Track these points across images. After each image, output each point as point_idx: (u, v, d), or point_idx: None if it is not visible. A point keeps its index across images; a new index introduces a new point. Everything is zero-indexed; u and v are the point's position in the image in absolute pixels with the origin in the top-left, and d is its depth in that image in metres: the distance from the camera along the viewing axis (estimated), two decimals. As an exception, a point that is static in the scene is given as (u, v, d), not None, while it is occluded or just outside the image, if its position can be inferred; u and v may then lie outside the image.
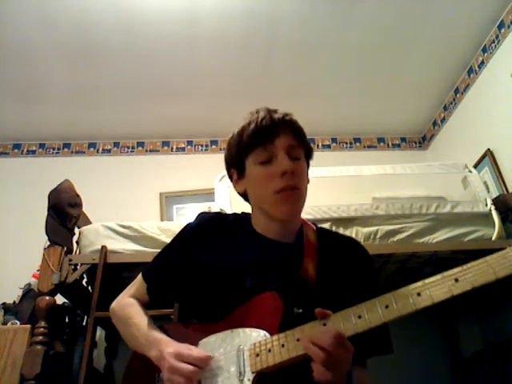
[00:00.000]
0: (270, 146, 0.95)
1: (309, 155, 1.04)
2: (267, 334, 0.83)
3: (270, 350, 0.80)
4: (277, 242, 0.99)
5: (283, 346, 0.79)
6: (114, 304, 1.07)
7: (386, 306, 0.74)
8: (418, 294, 0.73)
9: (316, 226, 1.08)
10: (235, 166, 1.02)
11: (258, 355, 0.81)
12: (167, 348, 0.87)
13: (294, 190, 0.95)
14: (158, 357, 0.87)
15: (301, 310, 0.87)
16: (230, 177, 1.05)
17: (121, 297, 1.08)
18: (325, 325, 0.78)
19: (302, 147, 0.99)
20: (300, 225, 1.04)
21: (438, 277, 0.73)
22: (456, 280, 0.71)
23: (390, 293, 0.76)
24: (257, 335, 0.84)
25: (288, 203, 0.95)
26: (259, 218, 1.02)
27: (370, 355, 0.94)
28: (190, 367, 0.82)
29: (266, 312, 0.86)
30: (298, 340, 0.78)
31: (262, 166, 0.96)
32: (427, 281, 0.74)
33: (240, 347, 0.84)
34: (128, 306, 1.04)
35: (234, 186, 1.04)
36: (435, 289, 0.72)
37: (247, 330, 0.86)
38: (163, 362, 0.85)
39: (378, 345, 0.93)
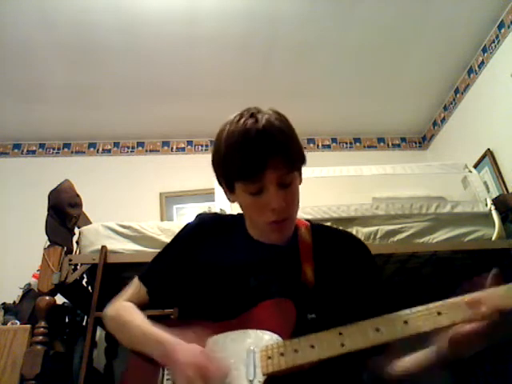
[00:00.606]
0: (259, 179, 0.88)
1: (302, 165, 0.97)
2: (279, 337, 0.83)
3: (282, 354, 0.80)
4: (269, 244, 0.99)
5: (296, 351, 0.80)
6: (108, 310, 1.04)
7: (405, 322, 0.77)
8: (405, 322, 0.76)
9: (310, 222, 1.07)
10: (224, 182, 0.96)
11: (270, 358, 0.81)
12: (176, 353, 0.82)
13: (285, 220, 0.93)
14: (163, 355, 0.85)
15: (314, 316, 0.87)
16: (220, 184, 0.99)
17: (115, 302, 1.06)
18: (341, 334, 0.79)
19: (293, 170, 0.92)
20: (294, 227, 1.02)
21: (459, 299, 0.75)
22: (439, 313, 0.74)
23: (412, 309, 0.78)
24: (269, 338, 0.84)
25: (279, 232, 0.95)
26: (250, 225, 1.02)
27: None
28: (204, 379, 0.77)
29: (279, 316, 0.86)
30: (311, 347, 0.79)
31: (252, 196, 0.90)
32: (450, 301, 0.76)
33: (251, 348, 0.84)
34: (124, 308, 1.02)
35: (226, 196, 1.00)
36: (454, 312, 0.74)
37: (259, 331, 0.86)
38: (173, 364, 0.82)
39: None
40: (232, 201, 1.00)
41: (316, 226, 1.07)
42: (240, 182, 0.90)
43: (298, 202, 0.97)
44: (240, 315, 0.90)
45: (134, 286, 1.06)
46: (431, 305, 0.76)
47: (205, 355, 0.81)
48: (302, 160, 0.96)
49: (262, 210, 0.91)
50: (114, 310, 1.03)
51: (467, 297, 0.73)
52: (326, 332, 0.80)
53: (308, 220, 1.08)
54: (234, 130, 0.89)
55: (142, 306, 1.04)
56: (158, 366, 0.89)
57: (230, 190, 0.96)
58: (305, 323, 0.85)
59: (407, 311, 0.78)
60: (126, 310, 1.01)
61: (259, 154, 0.86)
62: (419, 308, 0.77)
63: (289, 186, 0.91)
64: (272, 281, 0.93)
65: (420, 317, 0.76)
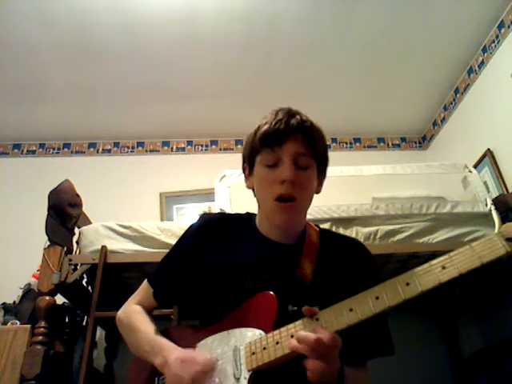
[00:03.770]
0: (277, 149, 0.94)
1: (321, 166, 1.02)
2: (263, 332, 0.84)
3: (264, 348, 0.81)
4: (278, 243, 0.99)
5: (277, 343, 0.80)
6: (120, 312, 1.07)
7: (377, 298, 0.76)
8: (407, 284, 0.74)
9: (319, 227, 1.08)
10: (247, 162, 1.02)
11: (253, 353, 0.82)
12: (171, 354, 0.87)
13: (292, 201, 0.94)
14: (162, 363, 0.87)
15: (295, 308, 0.87)
16: (244, 171, 1.06)
17: (126, 304, 1.08)
18: (317, 319, 0.79)
19: (312, 157, 0.97)
20: (303, 227, 1.03)
21: (426, 266, 0.74)
22: (443, 267, 0.72)
23: (380, 284, 0.77)
24: (252, 334, 0.85)
25: (285, 213, 0.95)
26: (262, 219, 1.03)
27: (370, 356, 0.94)
28: (191, 372, 0.82)
29: (260, 311, 0.87)
30: (292, 336, 0.79)
31: (268, 168, 0.95)
32: (416, 270, 0.75)
33: (236, 347, 0.85)
34: (133, 313, 1.04)
35: (245, 181, 1.06)
36: (423, 277, 0.73)
37: (243, 329, 0.87)
38: (167, 368, 0.85)
39: (378, 346, 0.94)
40: (250, 186, 1.03)
41: (324, 230, 1.08)
42: (261, 152, 0.97)
43: (310, 195, 0.99)
44: (227, 316, 0.91)
45: (144, 288, 1.08)
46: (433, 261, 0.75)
47: (192, 353, 0.86)
48: (323, 157, 1.02)
49: (272, 184, 0.94)
50: (125, 315, 1.05)
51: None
52: (303, 320, 0.80)
53: (317, 225, 1.09)
54: (266, 118, 0.98)
55: (153, 308, 1.06)
56: (155, 375, 0.92)
57: (250, 169, 1.01)
58: (286, 315, 0.86)
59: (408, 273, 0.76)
60: (136, 313, 1.03)
61: (283, 127, 0.94)
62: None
63: (304, 169, 0.95)
64: (271, 278, 0.93)
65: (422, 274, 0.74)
